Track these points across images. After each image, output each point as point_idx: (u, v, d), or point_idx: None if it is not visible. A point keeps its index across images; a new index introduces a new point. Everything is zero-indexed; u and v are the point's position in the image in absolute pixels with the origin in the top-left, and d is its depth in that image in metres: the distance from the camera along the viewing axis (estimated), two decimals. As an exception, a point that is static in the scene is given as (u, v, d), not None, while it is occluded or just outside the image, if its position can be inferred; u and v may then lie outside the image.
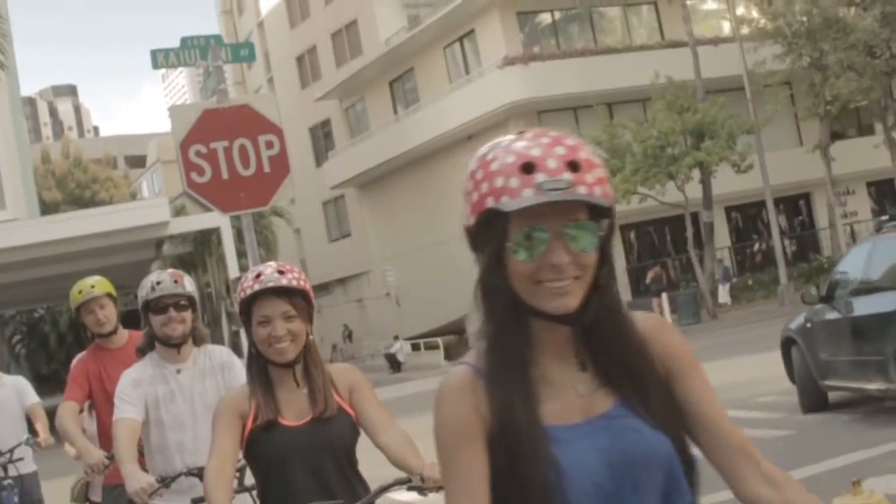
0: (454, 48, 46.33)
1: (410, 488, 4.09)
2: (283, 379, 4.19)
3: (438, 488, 3.85)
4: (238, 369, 5.72)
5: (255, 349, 4.20)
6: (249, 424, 4.13)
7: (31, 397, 9.66)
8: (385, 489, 4.19)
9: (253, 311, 4.12)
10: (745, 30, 40.07)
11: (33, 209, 44.47)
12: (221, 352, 5.93)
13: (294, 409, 4.16)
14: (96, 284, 7.27)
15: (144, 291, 5.63)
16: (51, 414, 9.70)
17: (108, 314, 7.26)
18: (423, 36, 46.16)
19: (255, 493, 5.22)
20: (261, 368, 4.21)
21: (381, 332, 51.23)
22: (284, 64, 62.16)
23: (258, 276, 4.12)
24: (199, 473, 5.40)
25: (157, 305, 5.59)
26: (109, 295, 7.29)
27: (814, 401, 13.98)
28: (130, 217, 35.18)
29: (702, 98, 37.77)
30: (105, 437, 7.19)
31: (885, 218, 13.61)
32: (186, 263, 46.23)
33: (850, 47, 37.51)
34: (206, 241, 42.65)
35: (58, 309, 68.50)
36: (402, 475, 4.13)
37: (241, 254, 35.72)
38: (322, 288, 58.53)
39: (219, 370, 5.74)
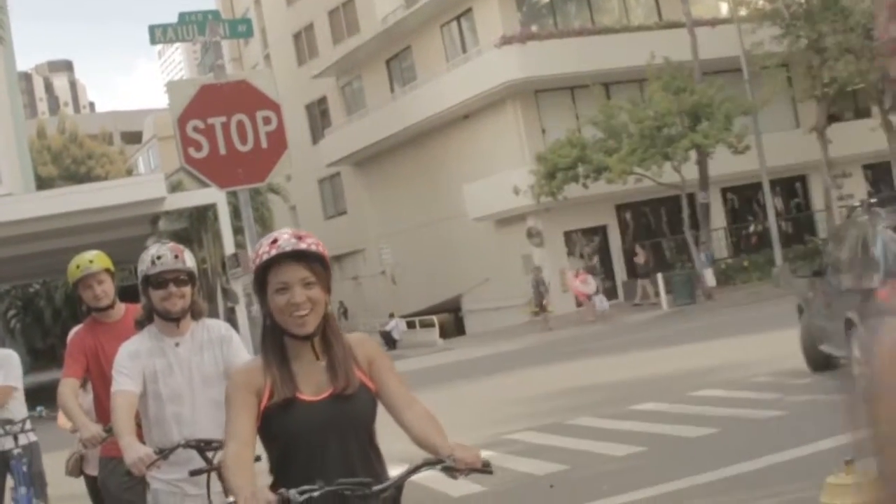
0: (451, 27, 46.23)
1: (443, 469, 3.87)
2: (301, 352, 3.96)
3: (471, 470, 3.81)
4: (237, 343, 5.77)
5: (270, 320, 3.97)
6: (265, 401, 3.89)
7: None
8: (415, 470, 3.97)
9: (269, 279, 3.88)
10: (742, 11, 39.99)
11: (29, 184, 44.43)
12: (219, 325, 5.94)
13: (312, 384, 3.93)
14: (94, 259, 7.23)
15: (144, 265, 5.64)
16: (49, 389, 9.78)
17: (106, 289, 7.23)
18: (421, 14, 46.05)
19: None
20: (276, 341, 3.97)
21: (377, 310, 51.30)
22: (281, 41, 62.03)
23: (274, 241, 3.90)
24: (196, 445, 5.47)
25: (157, 280, 5.61)
26: (107, 270, 7.27)
27: (818, 361, 15.30)
28: (126, 193, 35.18)
29: (699, 79, 37.72)
30: (101, 411, 7.22)
31: (871, 200, 14.16)
32: (182, 239, 46.11)
33: (848, 30, 37.47)
34: (202, 217, 42.57)
35: (53, 284, 68.47)
36: (427, 455, 3.94)
37: (237, 230, 35.75)
38: (318, 265, 58.48)
39: (217, 343, 5.75)
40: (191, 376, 5.67)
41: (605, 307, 37.38)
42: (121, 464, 7.15)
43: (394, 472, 4.04)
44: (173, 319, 5.71)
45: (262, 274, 3.89)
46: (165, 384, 5.64)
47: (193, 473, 5.28)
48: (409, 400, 4.04)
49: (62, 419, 8.33)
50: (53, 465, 9.48)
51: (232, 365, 5.54)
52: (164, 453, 5.30)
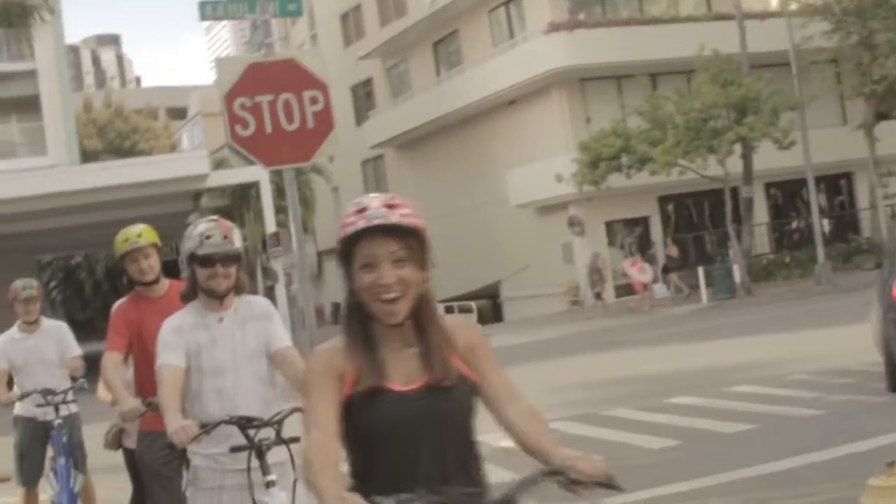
0: (499, 12, 46.09)
1: (563, 482, 3.27)
2: (390, 336, 3.40)
3: (596, 484, 3.27)
4: (277, 320, 5.85)
5: (354, 298, 3.40)
6: (348, 388, 3.33)
7: (72, 348, 9.89)
8: (532, 482, 3.32)
9: (355, 252, 3.35)
10: (793, 5, 39.62)
11: (74, 156, 44.72)
12: (261, 302, 6.00)
13: (402, 372, 3.38)
14: (142, 233, 7.28)
15: (193, 243, 5.65)
16: (89, 360, 9.86)
17: (153, 264, 7.30)
18: (469, -2, 45.98)
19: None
20: (362, 322, 3.40)
21: (415, 293, 51.29)
22: (328, 21, 62.05)
23: (362, 210, 3.37)
24: (238, 422, 5.46)
25: (205, 259, 5.64)
26: (154, 245, 7.33)
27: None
28: (170, 168, 35.36)
29: (746, 72, 37.45)
30: (141, 385, 7.31)
31: None
32: (224, 217, 46.35)
33: (900, 27, 37.08)
34: (244, 195, 42.72)
35: (95, 256, 68.92)
36: (536, 461, 3.40)
37: (278, 209, 35.86)
38: (357, 247, 58.58)
39: (259, 318, 5.80)
40: (234, 350, 5.68)
41: (666, 293, 37.28)
42: (159, 438, 7.02)
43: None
44: (218, 297, 5.72)
45: (348, 246, 3.37)
46: (209, 357, 5.66)
47: (234, 450, 5.31)
48: (514, 394, 3.58)
49: (102, 391, 8.38)
50: (92, 437, 9.55)
51: (272, 341, 5.71)
52: (206, 428, 5.31)
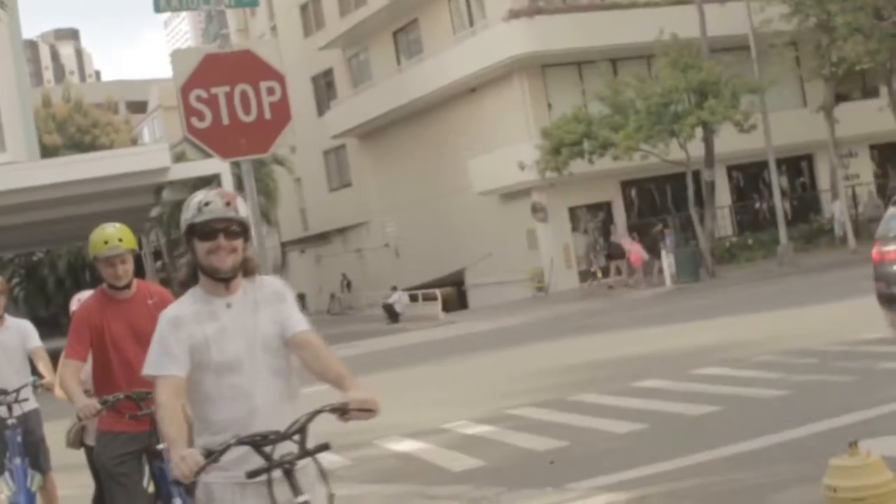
0: (459, 0, 46.03)
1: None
2: None
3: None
4: (292, 301, 4.92)
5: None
6: None
7: (35, 341, 9.79)
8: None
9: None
10: (752, -12, 39.77)
11: (33, 152, 44.34)
12: (273, 281, 5.03)
13: None
14: (124, 238, 7.17)
15: (190, 213, 4.73)
16: (52, 357, 9.77)
17: (128, 269, 7.20)
18: (429, -14, 45.90)
19: None
20: None
21: (380, 283, 51.26)
22: (288, 12, 61.78)
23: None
24: (251, 442, 4.52)
25: (204, 230, 4.68)
26: (132, 250, 7.26)
27: None
28: (130, 162, 35.04)
29: (707, 56, 37.55)
30: (101, 383, 7.30)
31: None
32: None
33: (857, 9, 37.27)
34: (206, 187, 42.49)
35: (57, 252, 68.51)
36: None
37: (240, 201, 35.65)
38: (321, 237, 58.56)
39: (272, 300, 4.85)
40: (248, 340, 4.73)
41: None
42: (116, 438, 7.15)
43: None
44: (222, 279, 4.75)
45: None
46: (219, 351, 4.68)
47: (252, 475, 4.39)
48: None
49: (59, 390, 8.31)
50: (54, 435, 9.47)
51: (287, 325, 4.78)
52: (213, 456, 4.34)
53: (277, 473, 4.46)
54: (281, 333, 4.74)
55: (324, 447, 4.50)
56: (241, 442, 4.45)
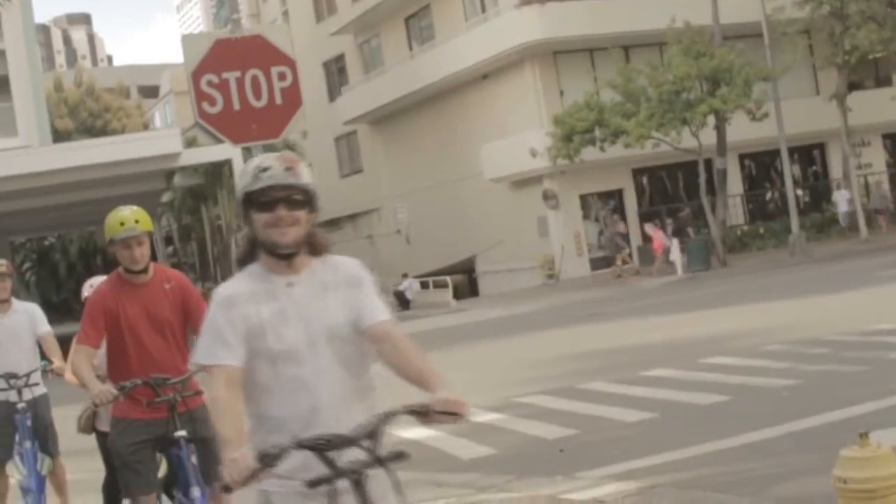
0: (471, -15, 45.95)
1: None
2: None
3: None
4: (371, 287, 4.27)
5: None
6: None
7: (44, 326, 9.80)
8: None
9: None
10: (765, -24, 39.63)
11: (45, 137, 44.35)
12: (348, 263, 4.31)
13: None
14: (140, 220, 6.96)
15: (245, 180, 4.09)
16: (63, 342, 9.78)
17: (144, 252, 7.03)
18: (441, -28, 45.83)
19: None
20: None
21: (391, 269, 51.24)
22: (300, -3, 61.72)
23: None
24: (312, 446, 3.81)
25: (263, 199, 4.03)
26: (149, 232, 7.08)
27: None
28: (142, 147, 35.09)
29: (719, 44, 37.43)
30: (115, 370, 7.19)
31: None
32: (197, 195, 46.26)
33: (871, -3, 37.14)
34: (217, 172, 42.58)
35: (68, 237, 68.60)
36: None
37: (251, 187, 35.71)
38: (332, 223, 58.55)
39: (345, 285, 4.20)
40: (310, 325, 4.07)
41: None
42: (131, 425, 7.04)
43: None
44: (283, 256, 4.10)
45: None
46: (277, 338, 4.03)
47: (314, 484, 3.76)
48: None
49: (69, 374, 8.31)
50: (64, 419, 9.48)
51: (364, 314, 4.13)
52: (267, 459, 3.65)
53: (344, 483, 3.82)
54: (355, 322, 4.11)
55: (400, 456, 3.85)
56: (300, 445, 3.76)
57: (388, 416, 3.86)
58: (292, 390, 4.01)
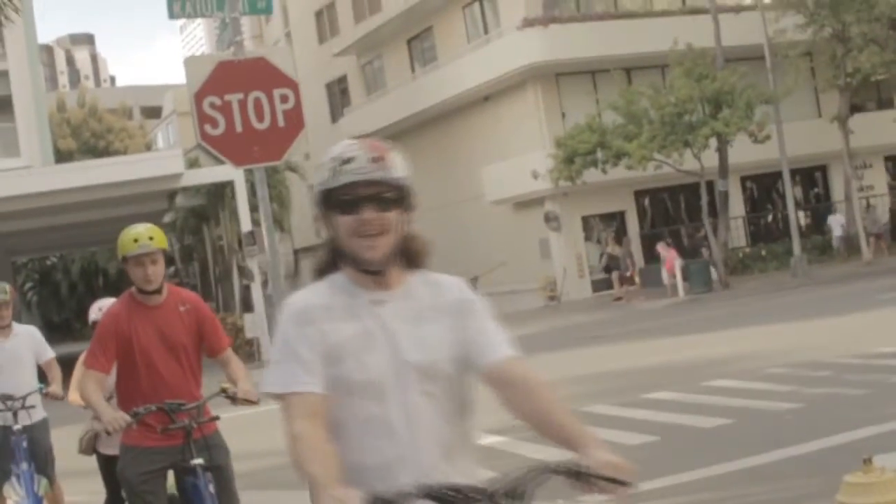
0: (473, 8, 46.07)
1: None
2: None
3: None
4: (485, 314, 3.50)
5: None
6: None
7: (47, 352, 9.79)
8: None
9: None
10: (767, -1, 39.77)
11: (48, 157, 44.44)
12: (454, 284, 3.55)
13: None
14: (155, 237, 6.69)
15: (324, 174, 3.34)
16: (64, 363, 9.77)
17: (159, 271, 6.73)
18: (443, -6, 45.98)
19: None
20: None
21: (392, 291, 51.27)
22: (303, 18, 61.91)
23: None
24: (442, 494, 2.98)
25: (344, 198, 3.27)
26: (164, 250, 6.80)
27: None
28: (144, 168, 35.13)
29: (721, 66, 37.50)
30: (126, 397, 6.90)
31: None
32: (199, 216, 46.27)
33: (873, 20, 37.23)
34: (219, 193, 42.57)
35: (70, 257, 68.66)
36: None
37: (254, 208, 35.71)
38: (334, 245, 58.48)
39: (450, 311, 3.40)
40: (400, 356, 3.25)
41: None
42: (143, 453, 6.74)
43: None
44: (371, 272, 3.32)
45: None
46: (358, 366, 3.21)
47: None
48: None
49: (73, 394, 8.29)
50: (64, 440, 9.46)
51: (478, 349, 3.33)
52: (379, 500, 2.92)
53: None
54: (464, 358, 3.31)
55: None
56: (426, 494, 2.96)
57: (538, 475, 3.09)
58: (373, 432, 3.20)
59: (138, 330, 6.73)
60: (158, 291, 6.80)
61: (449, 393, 3.29)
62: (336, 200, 3.28)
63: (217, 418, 6.90)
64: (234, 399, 6.78)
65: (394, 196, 3.32)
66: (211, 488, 6.68)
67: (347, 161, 3.26)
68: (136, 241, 6.62)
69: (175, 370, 6.84)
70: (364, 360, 3.21)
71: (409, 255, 3.44)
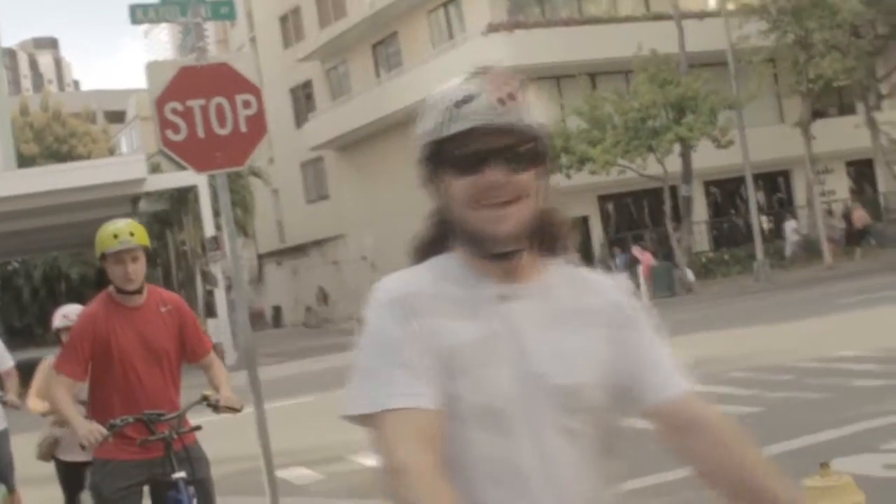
0: (438, 13, 46.12)
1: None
2: None
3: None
4: (651, 329, 2.58)
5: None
6: None
7: (7, 361, 9.67)
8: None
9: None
10: (730, 5, 39.97)
11: (10, 162, 44.22)
12: (610, 285, 2.54)
13: None
14: (136, 233, 6.28)
15: (433, 120, 2.52)
16: (25, 369, 9.69)
17: (139, 269, 6.31)
18: (408, 0, 45.94)
19: None
20: None
21: (357, 296, 50.73)
22: (267, 23, 61.78)
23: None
24: None
25: (460, 153, 2.39)
26: (145, 247, 6.36)
27: None
28: (107, 173, 35.01)
29: (685, 72, 37.70)
30: (102, 406, 6.46)
31: None
32: (162, 221, 46.08)
33: (835, 27, 37.51)
34: (182, 198, 42.41)
35: (32, 262, 68.20)
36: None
37: (217, 212, 35.63)
38: (298, 250, 58.44)
39: (606, 319, 2.44)
40: (531, 373, 2.29)
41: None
42: (118, 467, 6.31)
43: None
44: (498, 255, 2.35)
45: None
46: (476, 381, 2.25)
47: None
48: None
49: (34, 402, 8.21)
50: (21, 447, 9.39)
51: (652, 380, 2.47)
52: None
53: None
54: (621, 385, 2.42)
55: None
56: None
57: None
58: (493, 476, 2.27)
59: (118, 333, 6.31)
60: (139, 291, 6.40)
61: (595, 429, 2.39)
62: (449, 156, 2.40)
63: (198, 428, 6.56)
64: (216, 407, 6.47)
65: (529, 151, 2.37)
66: (195, 502, 6.31)
67: (466, 101, 2.36)
68: (115, 236, 6.21)
69: (156, 377, 6.43)
70: (482, 376, 2.25)
71: (546, 237, 2.44)
